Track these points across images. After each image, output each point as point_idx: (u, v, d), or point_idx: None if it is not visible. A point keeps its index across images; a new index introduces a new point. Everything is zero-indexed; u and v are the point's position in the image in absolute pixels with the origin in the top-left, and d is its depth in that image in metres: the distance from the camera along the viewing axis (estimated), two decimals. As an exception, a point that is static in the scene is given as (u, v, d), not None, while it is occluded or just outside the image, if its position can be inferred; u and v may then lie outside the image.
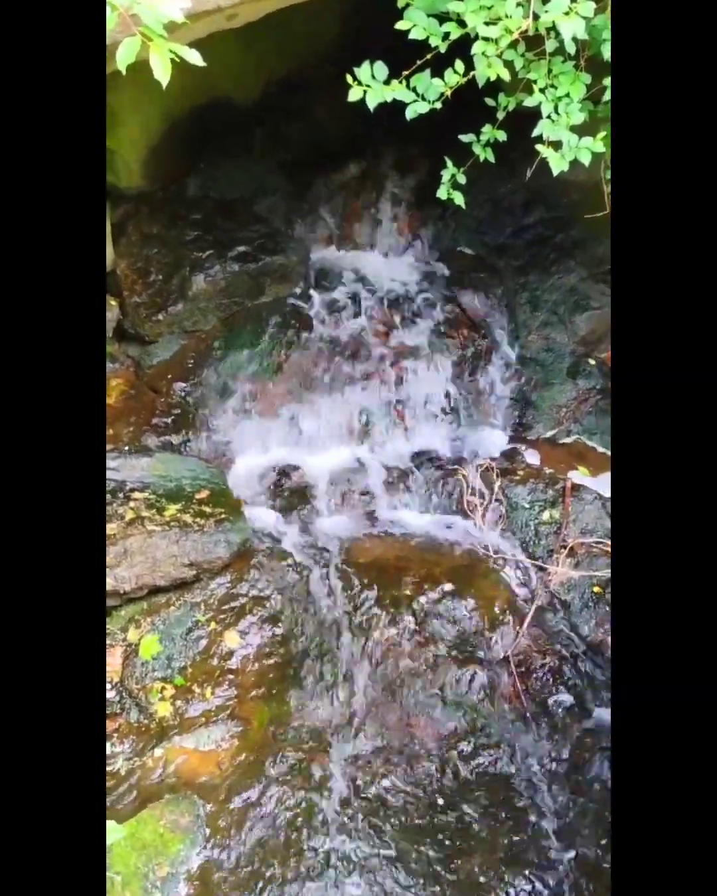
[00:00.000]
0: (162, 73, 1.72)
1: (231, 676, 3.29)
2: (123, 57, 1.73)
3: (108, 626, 3.26)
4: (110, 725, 3.14)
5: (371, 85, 2.63)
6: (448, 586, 3.59)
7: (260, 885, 2.86)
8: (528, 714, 3.36)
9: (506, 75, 2.61)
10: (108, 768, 3.03)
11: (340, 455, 4.34)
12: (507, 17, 2.44)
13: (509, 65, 2.64)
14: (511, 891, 2.90)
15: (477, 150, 3.03)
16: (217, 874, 2.86)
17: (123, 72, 1.78)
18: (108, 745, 3.09)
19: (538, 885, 2.92)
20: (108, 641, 3.23)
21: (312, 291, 4.65)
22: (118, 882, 2.70)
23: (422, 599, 3.56)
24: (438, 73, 2.66)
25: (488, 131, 2.99)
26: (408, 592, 3.59)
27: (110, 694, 3.18)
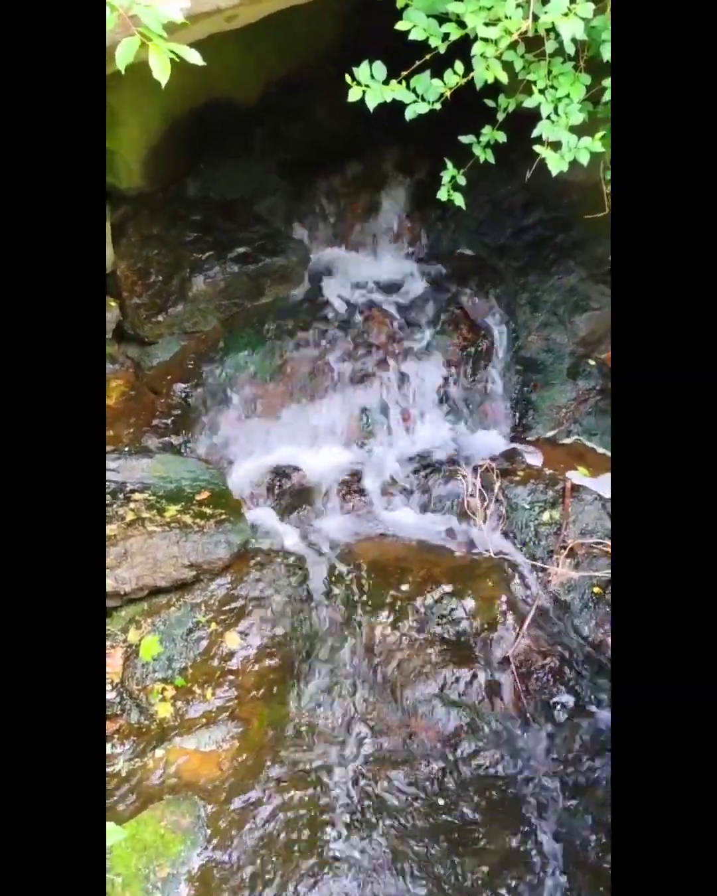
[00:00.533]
0: (161, 73, 1.73)
1: (232, 677, 3.29)
2: (122, 57, 1.73)
3: (108, 627, 3.26)
4: (111, 726, 3.14)
5: (370, 85, 2.63)
6: (448, 587, 3.59)
7: (261, 885, 2.85)
8: (528, 714, 3.36)
9: (503, 77, 2.60)
10: (108, 769, 3.03)
11: (341, 456, 4.35)
12: (506, 18, 2.43)
13: (508, 66, 2.64)
14: (511, 891, 2.90)
15: (477, 151, 3.03)
16: (218, 875, 2.86)
17: (123, 72, 1.78)
18: (108, 746, 3.09)
19: (538, 886, 2.92)
20: (108, 642, 3.23)
21: (312, 292, 4.65)
22: (119, 883, 2.70)
23: (422, 600, 3.56)
24: (437, 73, 2.65)
25: (487, 132, 2.99)
26: (408, 593, 3.59)
27: (111, 695, 3.18)
